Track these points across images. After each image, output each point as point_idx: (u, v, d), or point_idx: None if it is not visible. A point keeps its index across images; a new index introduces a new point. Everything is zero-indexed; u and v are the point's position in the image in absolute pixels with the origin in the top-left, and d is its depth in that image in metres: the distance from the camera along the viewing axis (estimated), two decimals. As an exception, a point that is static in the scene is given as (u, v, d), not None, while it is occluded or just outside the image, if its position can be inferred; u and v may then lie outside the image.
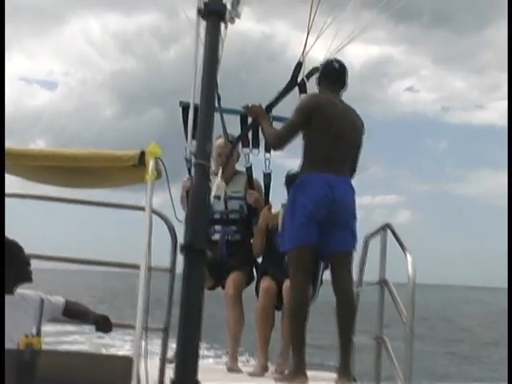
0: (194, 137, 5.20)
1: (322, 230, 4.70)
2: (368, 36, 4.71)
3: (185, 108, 5.49)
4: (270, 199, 5.56)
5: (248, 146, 5.42)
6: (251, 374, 5.21)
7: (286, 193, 5.36)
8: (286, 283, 5.00)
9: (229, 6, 4.18)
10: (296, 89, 4.99)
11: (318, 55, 4.84)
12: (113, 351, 13.44)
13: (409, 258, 4.05)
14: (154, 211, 3.94)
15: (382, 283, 4.60)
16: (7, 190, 3.58)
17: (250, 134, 5.36)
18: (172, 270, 4.14)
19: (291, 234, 4.76)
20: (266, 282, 5.36)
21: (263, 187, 5.54)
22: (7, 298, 3.53)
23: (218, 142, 5.63)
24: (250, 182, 5.60)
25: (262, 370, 5.26)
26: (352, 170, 5.00)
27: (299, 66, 4.89)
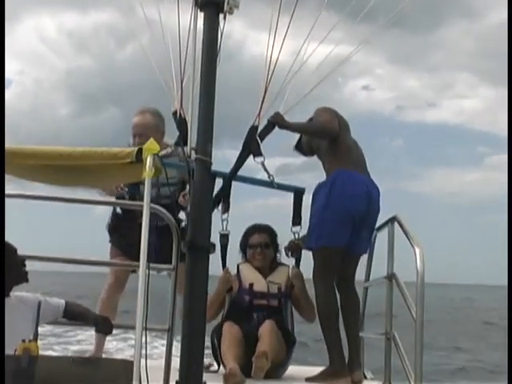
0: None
1: (354, 228, 4.59)
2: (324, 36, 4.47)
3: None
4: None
5: (227, 211, 4.85)
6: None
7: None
8: (263, 327, 4.66)
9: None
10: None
11: (281, 58, 4.21)
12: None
13: (417, 252, 3.90)
14: (153, 208, 3.85)
15: (390, 277, 4.49)
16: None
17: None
18: (175, 268, 4.04)
19: (322, 230, 4.59)
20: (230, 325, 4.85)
21: (219, 247, 4.97)
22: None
23: (135, 120, 5.19)
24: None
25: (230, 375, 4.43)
26: None
27: (253, 130, 4.11)
